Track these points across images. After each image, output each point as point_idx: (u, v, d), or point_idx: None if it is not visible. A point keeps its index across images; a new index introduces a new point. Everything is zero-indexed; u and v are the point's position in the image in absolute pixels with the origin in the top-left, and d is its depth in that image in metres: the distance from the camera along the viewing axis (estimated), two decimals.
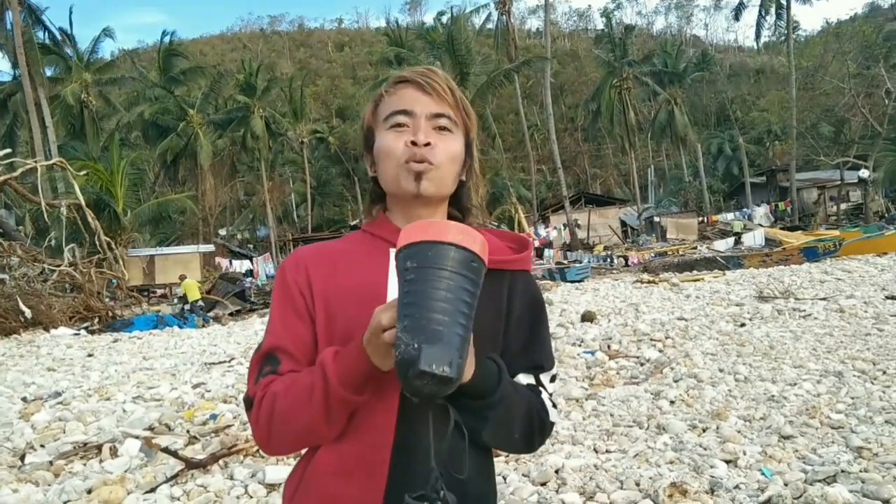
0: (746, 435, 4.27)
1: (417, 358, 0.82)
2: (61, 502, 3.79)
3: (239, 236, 50.31)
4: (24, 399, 6.75)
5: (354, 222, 48.29)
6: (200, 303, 18.02)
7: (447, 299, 0.86)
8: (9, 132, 34.29)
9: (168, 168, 42.41)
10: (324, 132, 57.52)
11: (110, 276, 18.84)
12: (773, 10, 42.54)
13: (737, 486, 3.46)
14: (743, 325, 8.31)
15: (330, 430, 1.06)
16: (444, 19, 40.58)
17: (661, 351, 7.06)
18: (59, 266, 16.80)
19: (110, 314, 16.61)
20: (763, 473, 3.60)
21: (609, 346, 7.41)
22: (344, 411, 1.04)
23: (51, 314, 14.88)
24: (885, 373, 5.49)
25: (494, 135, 45.13)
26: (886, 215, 35.38)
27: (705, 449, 4.04)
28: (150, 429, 5.11)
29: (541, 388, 1.17)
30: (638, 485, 3.56)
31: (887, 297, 9.25)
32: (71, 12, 35.93)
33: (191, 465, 4.23)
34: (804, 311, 8.81)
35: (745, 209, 42.64)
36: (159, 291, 26.85)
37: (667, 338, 7.64)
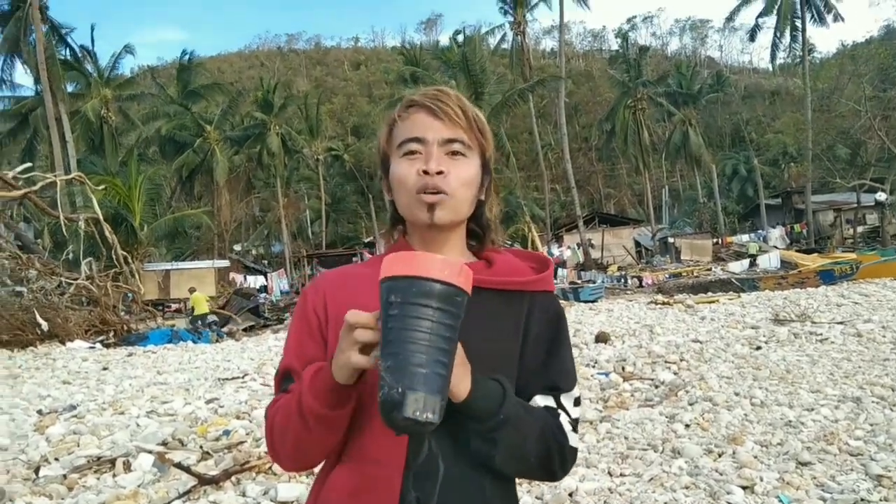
0: (763, 461, 4.21)
1: (402, 403, 0.85)
2: None
3: (254, 252, 50.63)
4: (39, 412, 6.79)
5: (369, 239, 48.42)
6: (213, 317, 18.09)
7: (430, 340, 0.87)
8: (29, 146, 34.77)
9: (184, 183, 42.84)
10: (339, 150, 57.92)
11: (126, 289, 18.97)
12: (787, 32, 42.53)
13: None
14: (759, 348, 8.24)
15: (319, 445, 1.09)
16: (461, 38, 40.86)
17: (675, 373, 7.00)
18: (76, 279, 16.94)
19: (125, 328, 16.71)
20: (781, 500, 3.56)
21: (623, 368, 7.36)
22: (324, 426, 1.05)
23: (67, 327, 14.99)
24: None
25: (508, 154, 45.22)
26: None
27: (721, 474, 3.99)
28: (164, 444, 5.12)
29: (560, 411, 1.14)
30: None
31: None
32: (93, 29, 36.46)
33: (203, 481, 4.23)
34: (821, 334, 8.72)
35: (760, 231, 42.38)
36: (174, 306, 27.00)
37: (681, 360, 7.58)
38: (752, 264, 27.89)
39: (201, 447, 5.07)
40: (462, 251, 1.22)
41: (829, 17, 40.93)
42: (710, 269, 28.30)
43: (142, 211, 27.08)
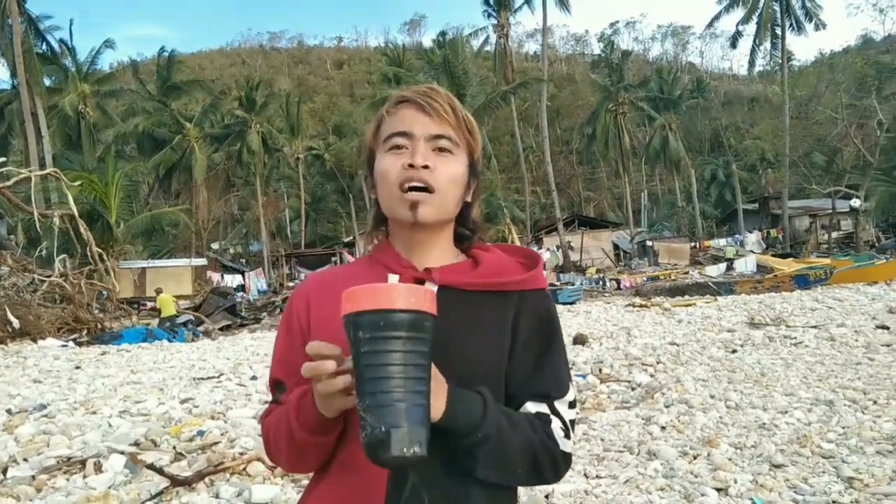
0: (737, 463, 4.24)
1: (387, 443, 0.83)
2: None
3: (231, 251, 50.22)
4: (8, 411, 6.66)
5: (348, 239, 48.22)
6: (189, 316, 17.87)
7: (406, 371, 0.85)
8: (3, 141, 34.23)
9: (162, 181, 42.41)
10: (320, 149, 57.66)
11: (100, 287, 18.71)
12: (767, 40, 43.06)
13: None
14: (734, 351, 8.31)
15: (314, 458, 1.09)
16: (445, 40, 40.88)
17: (652, 376, 7.04)
18: (49, 276, 16.69)
19: (99, 326, 16.48)
20: (754, 502, 3.58)
21: (600, 370, 7.39)
22: (314, 447, 1.06)
23: (39, 325, 14.75)
24: (875, 402, 5.49)
25: (490, 156, 45.29)
26: (877, 245, 35.61)
27: (696, 476, 4.01)
28: (136, 444, 5.05)
29: (552, 417, 1.09)
30: None
31: (878, 327, 9.27)
32: (71, 24, 35.98)
33: (176, 482, 4.17)
34: (795, 338, 8.82)
35: (737, 235, 42.86)
36: (150, 304, 26.66)
37: (658, 363, 7.63)
38: (729, 268, 28.19)
39: (174, 448, 5.01)
40: (449, 250, 1.19)
41: (810, 26, 41.46)
42: (687, 273, 28.55)
43: (118, 208, 26.72)
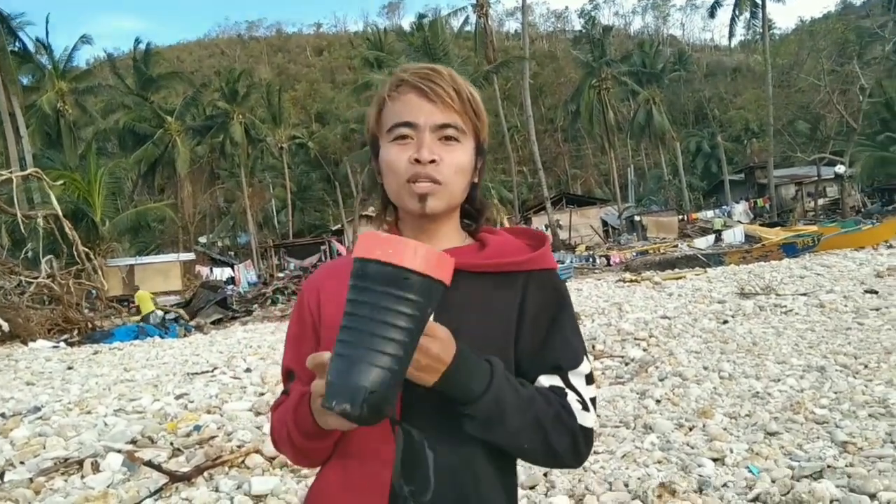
0: (732, 432, 4.28)
1: (325, 394, 0.84)
2: None
3: (220, 244, 49.95)
4: (2, 415, 6.62)
5: (336, 227, 48.07)
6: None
7: (381, 329, 0.83)
8: None
9: (146, 176, 42.05)
10: (303, 137, 57.28)
11: (89, 286, 18.57)
12: (747, 10, 43.00)
13: (725, 485, 3.47)
14: (726, 322, 8.37)
15: (316, 461, 1.13)
16: (425, 22, 40.59)
17: (645, 350, 7.08)
18: (36, 278, 16.54)
19: (90, 325, 16.38)
20: (750, 471, 3.61)
21: (594, 347, 7.42)
22: (315, 452, 1.09)
23: (28, 327, 14.64)
24: (866, 367, 5.54)
25: None
26: (863, 210, 35.89)
27: (692, 448, 4.05)
28: (133, 442, 5.03)
29: (568, 391, 1.08)
30: (627, 486, 3.56)
31: (866, 292, 9.36)
32: (48, 22, 35.45)
33: (175, 478, 4.17)
34: (785, 306, 8.89)
35: (724, 206, 43.07)
36: None
37: (651, 336, 7.67)
38: (718, 239, 28.34)
39: (172, 444, 4.99)
40: (456, 235, 1.18)
41: None
42: (676, 246, 28.67)
43: (103, 206, 26.49)
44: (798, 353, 6.33)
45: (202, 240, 47.56)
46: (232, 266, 34.55)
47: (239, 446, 4.69)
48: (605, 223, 44.23)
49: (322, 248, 40.77)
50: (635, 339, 7.64)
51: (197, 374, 8.44)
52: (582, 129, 55.73)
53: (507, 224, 34.08)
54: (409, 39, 42.01)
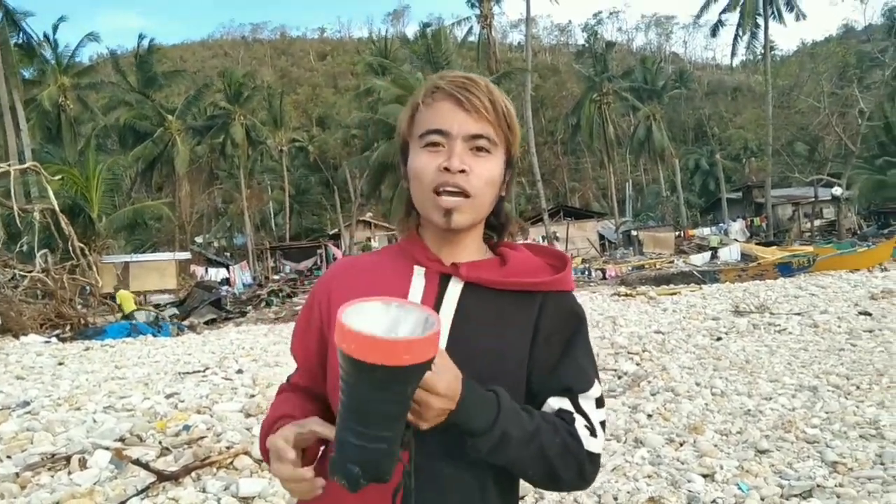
0: (723, 449, 4.28)
1: (330, 466, 0.90)
2: None
3: (216, 244, 49.83)
4: None
5: (333, 231, 48.04)
6: (166, 313, 17.67)
7: (361, 408, 0.85)
8: None
9: (144, 174, 41.98)
10: (303, 141, 57.35)
11: (83, 282, 18.52)
12: (749, 29, 43.26)
13: (714, 501, 3.46)
14: (719, 339, 8.37)
15: None
16: (429, 31, 40.72)
17: (638, 364, 7.08)
18: (30, 272, 16.48)
19: (82, 321, 16.31)
20: (740, 488, 3.61)
21: None
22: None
23: (21, 321, 14.57)
24: (858, 388, 5.55)
25: None
26: (859, 232, 35.99)
27: (682, 463, 4.04)
28: (121, 440, 5.00)
29: (576, 415, 1.07)
30: (616, 499, 3.55)
31: (860, 313, 9.37)
32: (60, 20, 35.08)
33: (162, 477, 4.14)
34: (779, 325, 8.90)
35: (721, 224, 43.18)
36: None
37: (644, 351, 7.67)
38: (714, 257, 28.39)
39: (160, 443, 4.97)
40: (478, 248, 1.17)
41: (791, 16, 41.71)
42: (672, 262, 28.71)
43: (100, 202, 26.42)
44: (791, 372, 6.33)
45: (199, 240, 47.46)
46: (227, 267, 34.47)
47: (228, 447, 4.67)
48: (601, 237, 44.31)
49: (318, 251, 40.71)
50: (629, 352, 7.64)
51: (188, 373, 8.40)
52: (582, 142, 55.84)
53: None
54: (412, 47, 42.11)
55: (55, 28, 35.23)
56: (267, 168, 54.36)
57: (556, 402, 1.08)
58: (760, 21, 42.25)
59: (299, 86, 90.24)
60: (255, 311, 21.84)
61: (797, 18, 42.03)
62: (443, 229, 1.09)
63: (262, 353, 9.91)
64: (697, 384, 5.99)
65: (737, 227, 41.07)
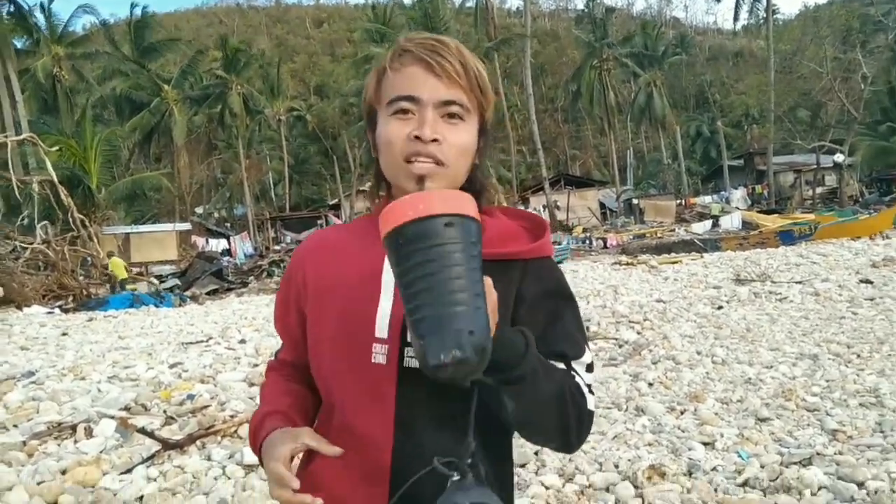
0: (724, 417, 4.31)
1: (424, 355, 0.78)
2: (35, 483, 3.72)
3: (216, 215, 49.76)
4: None
5: (333, 201, 47.92)
6: (168, 284, 17.70)
7: (429, 281, 0.80)
8: None
9: (142, 145, 41.75)
10: (301, 110, 56.86)
11: (84, 253, 18.54)
12: None
13: (714, 468, 3.49)
14: (720, 307, 8.39)
15: None
16: None
17: (639, 333, 7.11)
18: (31, 244, 16.49)
19: (85, 292, 16.37)
20: (740, 456, 3.64)
21: (588, 328, 7.43)
22: None
23: (23, 292, 14.63)
24: (859, 356, 5.57)
25: None
26: (861, 199, 35.92)
27: (683, 431, 4.07)
28: (126, 409, 5.04)
29: (573, 374, 1.04)
30: (617, 467, 3.58)
31: (861, 281, 9.38)
32: None
33: (167, 445, 4.19)
34: (780, 294, 8.91)
35: (722, 192, 43.09)
36: (135, 270, 26.50)
37: (645, 320, 7.69)
38: (715, 225, 28.39)
39: (165, 412, 5.01)
40: None
41: None
42: (673, 230, 28.71)
43: (98, 173, 26.33)
44: (791, 340, 6.36)
45: (199, 210, 47.38)
46: (228, 238, 34.49)
47: (232, 416, 4.70)
48: (602, 205, 44.22)
49: (319, 222, 40.68)
50: (630, 321, 7.66)
51: (191, 343, 8.45)
52: (582, 109, 55.45)
53: (504, 204, 34.04)
54: (409, 13, 41.55)
55: None
56: (265, 138, 54.03)
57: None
58: None
59: (296, 54, 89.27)
60: (257, 281, 21.90)
61: None
62: None
63: (265, 322, 9.94)
64: (698, 353, 6.02)
65: (738, 194, 40.97)
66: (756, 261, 13.22)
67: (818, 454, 3.56)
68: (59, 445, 4.37)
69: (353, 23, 79.85)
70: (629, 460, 3.63)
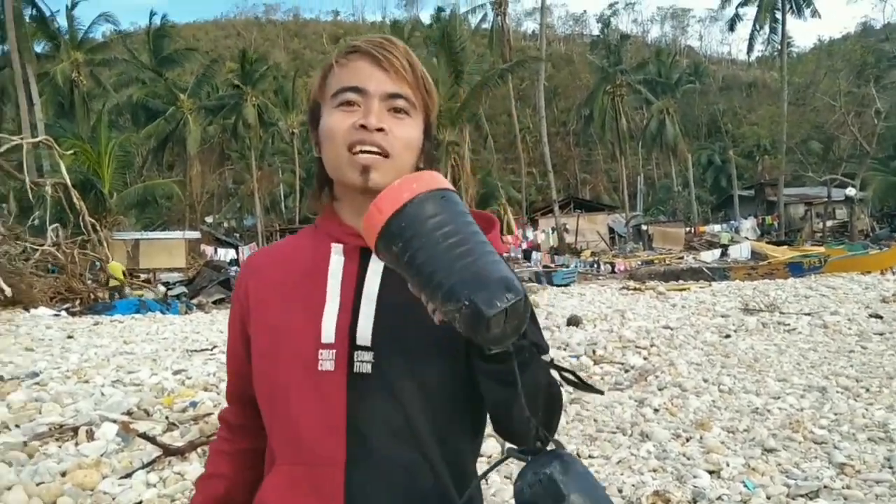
0: (730, 446, 4.26)
1: (478, 310, 0.75)
2: (34, 483, 3.71)
3: (226, 224, 49.95)
4: (0, 378, 6.63)
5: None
6: (175, 291, 17.67)
7: (460, 242, 0.80)
8: None
9: (156, 152, 42.06)
10: None
11: (93, 257, 18.61)
12: (767, 24, 42.85)
13: (719, 498, 3.45)
14: (728, 336, 8.34)
15: None
16: (444, 15, 40.49)
17: (645, 358, 7.06)
18: (41, 246, 16.58)
19: (92, 296, 16.41)
20: (746, 486, 3.59)
21: (594, 352, 7.39)
22: None
23: (31, 294, 14.67)
24: (868, 390, 5.52)
25: (487, 135, 44.92)
26: (871, 234, 35.74)
27: (689, 458, 4.03)
28: (129, 413, 5.04)
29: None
30: (621, 492, 3.55)
31: (871, 316, 9.32)
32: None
33: (168, 451, 4.17)
34: (789, 325, 8.85)
35: (732, 221, 42.92)
36: (143, 276, 26.57)
37: (652, 345, 7.64)
38: (724, 254, 28.24)
39: (167, 418, 5.00)
40: None
41: (808, 12, 41.30)
42: (681, 258, 28.60)
43: (111, 178, 26.50)
44: (799, 371, 6.30)
45: (209, 219, 47.58)
46: (236, 248, 34.55)
47: None
48: (611, 230, 44.14)
49: None
50: (636, 346, 7.61)
51: (196, 351, 8.45)
52: (594, 134, 55.57)
53: (513, 224, 34.05)
54: (426, 31, 41.87)
55: (74, 4, 35.12)
56: (278, 150, 54.29)
57: None
58: (778, 15, 41.82)
59: (311, 68, 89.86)
60: None
61: (813, 15, 41.57)
62: (360, 190, 1.01)
63: None
64: (705, 380, 5.97)
65: (748, 224, 40.82)
66: (765, 291, 13.15)
67: (826, 487, 3.51)
68: (59, 447, 4.37)
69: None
70: (633, 486, 3.59)
